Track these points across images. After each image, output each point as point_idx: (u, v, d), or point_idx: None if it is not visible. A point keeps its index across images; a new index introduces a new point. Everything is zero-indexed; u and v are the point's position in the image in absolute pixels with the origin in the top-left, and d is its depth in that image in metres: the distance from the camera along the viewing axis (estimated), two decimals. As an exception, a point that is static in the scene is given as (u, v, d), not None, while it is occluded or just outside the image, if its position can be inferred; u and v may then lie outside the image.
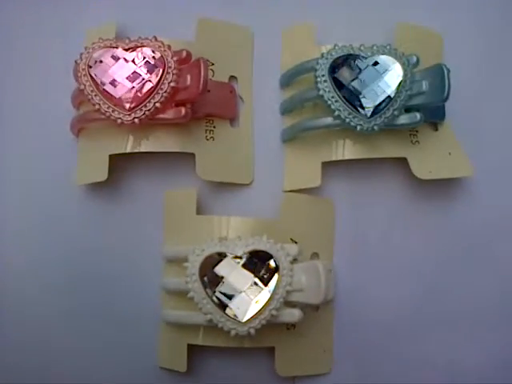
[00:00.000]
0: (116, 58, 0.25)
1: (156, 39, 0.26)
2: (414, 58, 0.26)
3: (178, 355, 0.26)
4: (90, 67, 0.25)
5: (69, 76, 0.27)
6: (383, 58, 0.25)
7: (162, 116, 0.26)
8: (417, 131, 0.28)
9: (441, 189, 0.28)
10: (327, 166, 0.28)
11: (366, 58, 0.25)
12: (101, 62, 0.25)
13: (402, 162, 0.28)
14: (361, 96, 0.25)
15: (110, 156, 0.27)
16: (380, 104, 0.25)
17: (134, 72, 0.25)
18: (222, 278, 0.24)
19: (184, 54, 0.26)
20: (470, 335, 0.28)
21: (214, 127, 0.28)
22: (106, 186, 0.27)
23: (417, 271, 0.28)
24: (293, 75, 0.28)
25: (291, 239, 0.27)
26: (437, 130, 0.29)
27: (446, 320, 0.28)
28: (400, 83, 0.25)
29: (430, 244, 0.28)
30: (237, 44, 0.29)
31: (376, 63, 0.25)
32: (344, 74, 0.25)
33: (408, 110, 0.26)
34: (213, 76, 0.28)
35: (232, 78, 0.29)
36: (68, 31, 0.29)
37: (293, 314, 0.24)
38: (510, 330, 0.28)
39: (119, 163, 0.28)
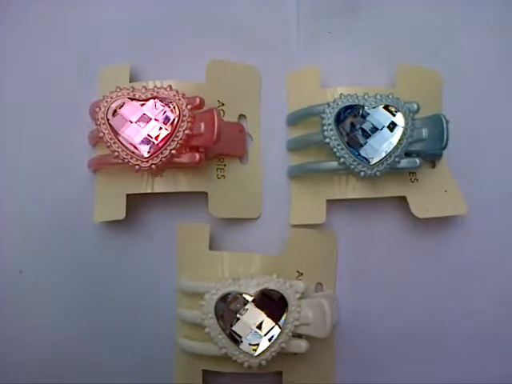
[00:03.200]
0: (134, 108, 0.26)
1: (171, 88, 0.27)
2: (415, 106, 0.28)
3: (194, 379, 0.28)
4: (109, 117, 0.26)
5: (84, 113, 0.29)
6: (383, 112, 0.27)
7: (177, 160, 0.27)
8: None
9: (437, 225, 0.30)
10: (332, 202, 0.29)
11: (369, 109, 0.27)
12: (119, 111, 0.26)
13: (402, 199, 0.30)
14: (365, 146, 0.27)
15: (127, 195, 0.28)
16: (382, 151, 0.27)
17: (151, 120, 0.26)
18: (236, 315, 0.26)
19: (198, 101, 0.27)
20: (466, 358, 0.30)
21: (225, 165, 0.30)
22: (121, 222, 0.29)
23: (413, 300, 0.30)
24: (300, 117, 0.29)
25: (297, 271, 0.29)
26: (434, 166, 0.31)
27: (442, 345, 0.30)
28: (402, 132, 0.27)
29: (426, 276, 0.30)
30: (245, 84, 0.31)
31: (378, 116, 0.27)
32: (349, 124, 0.27)
33: (408, 153, 0.28)
34: (223, 115, 0.30)
35: (241, 116, 0.31)
36: (83, 68, 0.30)
37: (300, 346, 0.27)
38: (504, 353, 0.30)
39: (135, 200, 0.29)
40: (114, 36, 0.31)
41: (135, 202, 0.29)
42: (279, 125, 0.31)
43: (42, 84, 0.31)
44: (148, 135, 0.26)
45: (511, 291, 0.30)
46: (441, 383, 0.30)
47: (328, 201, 0.29)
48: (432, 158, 0.30)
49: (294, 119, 0.30)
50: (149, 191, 0.28)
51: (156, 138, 0.26)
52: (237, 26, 0.31)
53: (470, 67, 0.32)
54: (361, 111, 0.27)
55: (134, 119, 0.26)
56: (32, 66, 0.31)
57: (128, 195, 0.28)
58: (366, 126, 0.27)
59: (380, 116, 0.27)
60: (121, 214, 0.28)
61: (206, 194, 0.29)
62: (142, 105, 0.26)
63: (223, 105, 0.30)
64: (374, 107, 0.27)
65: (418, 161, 0.27)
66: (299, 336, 0.27)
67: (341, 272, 0.30)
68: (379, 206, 0.30)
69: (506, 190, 0.31)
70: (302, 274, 0.29)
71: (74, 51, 0.31)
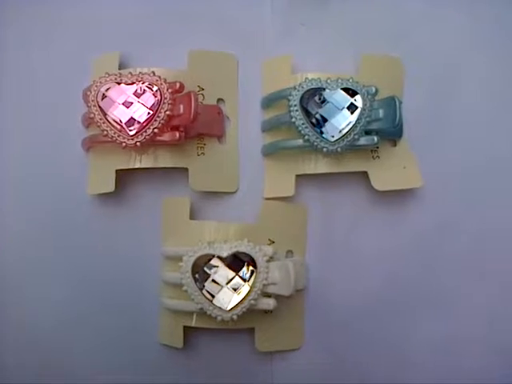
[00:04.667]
0: (120, 91, 0.30)
1: (154, 74, 0.30)
2: (373, 89, 0.31)
3: (176, 334, 0.31)
4: (99, 99, 0.30)
5: (78, 98, 0.32)
6: (342, 94, 0.30)
7: (159, 139, 0.30)
8: (378, 147, 0.33)
9: (396, 197, 0.33)
10: (301, 177, 0.33)
11: (330, 91, 0.30)
12: (108, 94, 0.30)
13: (365, 175, 0.33)
14: (325, 124, 0.30)
15: (116, 170, 0.32)
16: (343, 129, 0.30)
17: (136, 103, 0.30)
18: (210, 274, 0.29)
19: (177, 85, 0.30)
20: (426, 319, 0.33)
21: (205, 144, 0.33)
22: (111, 195, 0.32)
23: (376, 265, 0.33)
24: (271, 100, 0.33)
25: (269, 239, 0.32)
26: (395, 145, 0.33)
27: (402, 305, 0.33)
28: (360, 112, 0.30)
29: (387, 242, 0.33)
30: (224, 70, 0.34)
31: (338, 97, 0.30)
32: (312, 105, 0.30)
33: (368, 132, 0.31)
34: (203, 99, 0.33)
35: (220, 100, 0.34)
36: (75, 58, 0.34)
37: (268, 303, 0.30)
38: (463, 313, 0.33)
39: (124, 176, 0.32)
40: (106, 28, 0.34)
41: (124, 178, 0.33)
42: (254, 108, 0.34)
43: (41, 73, 0.34)
44: (133, 116, 0.30)
45: (466, 256, 0.33)
46: (401, 342, 0.33)
47: (299, 177, 0.32)
48: (393, 137, 0.33)
49: (267, 102, 0.33)
50: (136, 166, 0.32)
51: (140, 118, 0.30)
52: (217, 18, 0.34)
53: (430, 54, 0.34)
54: (323, 93, 0.30)
55: (120, 101, 0.30)
56: (32, 56, 0.34)
57: (117, 171, 0.32)
58: (328, 107, 0.30)
59: (340, 97, 0.30)
60: (111, 187, 0.31)
61: (187, 169, 0.32)
62: (128, 88, 0.30)
63: (203, 89, 0.33)
64: (335, 90, 0.30)
65: (375, 138, 0.30)
66: (269, 296, 0.30)
67: (310, 241, 0.33)
68: (344, 181, 0.33)
69: (460, 166, 0.34)
70: (273, 242, 0.32)
71: (69, 42, 0.34)
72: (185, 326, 0.31)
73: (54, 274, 0.33)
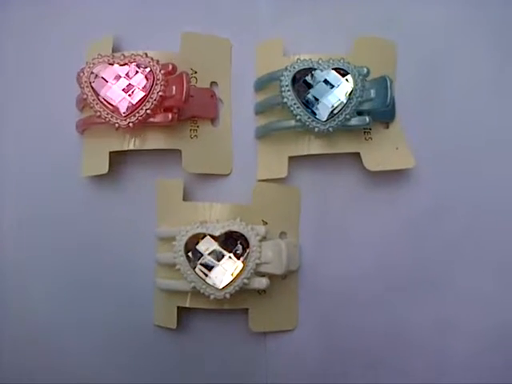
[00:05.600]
0: (113, 72, 0.30)
1: (146, 55, 0.30)
2: (365, 70, 0.31)
3: (170, 315, 0.32)
4: (91, 80, 0.30)
5: (73, 83, 0.32)
6: (334, 74, 0.30)
7: (152, 120, 0.30)
8: (370, 129, 0.33)
9: (390, 179, 0.33)
10: (294, 159, 0.33)
11: (322, 71, 0.30)
12: (100, 75, 0.30)
13: (357, 155, 0.33)
14: (317, 103, 0.30)
15: (110, 152, 0.32)
16: (334, 109, 0.30)
17: (128, 84, 0.30)
18: (203, 254, 0.29)
19: (170, 67, 0.31)
20: (420, 299, 0.33)
21: (198, 127, 0.33)
22: (106, 178, 0.32)
23: (369, 246, 0.33)
24: (264, 82, 0.33)
25: (263, 221, 0.33)
26: (388, 127, 0.34)
27: (395, 287, 0.33)
28: (351, 92, 0.30)
29: (381, 224, 0.33)
30: (217, 54, 0.34)
31: (329, 77, 0.30)
32: (304, 85, 0.30)
33: (360, 113, 0.31)
34: (196, 82, 0.33)
35: (213, 83, 0.34)
36: (70, 43, 0.34)
37: (261, 282, 0.30)
38: (452, 294, 0.33)
39: (118, 158, 0.33)
40: (99, 13, 0.34)
41: (118, 160, 0.33)
42: (247, 91, 0.34)
43: (35, 58, 0.34)
44: (126, 96, 0.30)
45: (460, 237, 0.33)
46: (395, 324, 0.33)
47: (292, 160, 0.33)
48: (385, 119, 0.33)
49: (260, 84, 0.33)
50: (130, 148, 0.32)
51: (133, 98, 0.30)
52: (210, 1, 0.35)
53: (422, 37, 0.34)
54: (314, 73, 0.30)
55: (113, 82, 0.30)
56: (26, 41, 0.35)
57: (111, 153, 0.32)
58: (319, 87, 0.30)
59: (331, 77, 0.30)
60: (104, 169, 0.32)
61: (181, 152, 0.32)
62: (121, 69, 0.30)
63: (196, 72, 0.33)
64: (327, 70, 0.30)
65: (367, 118, 0.31)
66: (262, 276, 0.31)
67: (303, 222, 0.33)
68: (338, 164, 0.34)
69: (454, 148, 0.34)
70: (266, 224, 0.32)
71: (63, 27, 0.34)
72: (179, 308, 0.32)
73: (47, 256, 0.33)
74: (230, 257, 0.30)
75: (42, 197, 0.33)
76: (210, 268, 0.29)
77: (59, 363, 0.32)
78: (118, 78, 0.30)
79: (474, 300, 0.33)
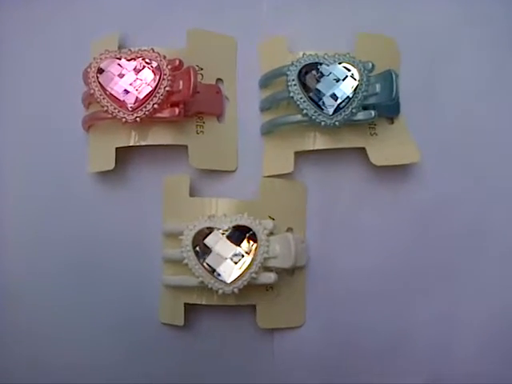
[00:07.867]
0: (120, 67, 0.30)
1: (153, 50, 0.31)
2: (370, 64, 0.31)
3: (177, 312, 0.31)
4: (98, 75, 0.30)
5: (78, 80, 0.32)
6: (340, 68, 0.30)
7: (159, 115, 0.30)
8: (375, 124, 0.33)
9: (396, 173, 0.33)
10: (300, 155, 0.33)
11: (328, 66, 0.30)
12: (107, 70, 0.30)
13: (363, 150, 0.33)
14: (324, 97, 0.30)
15: (117, 148, 0.32)
16: (340, 103, 0.30)
17: (136, 79, 0.30)
18: (211, 248, 0.29)
19: (177, 62, 0.31)
20: (424, 293, 0.33)
21: (204, 123, 0.33)
22: (113, 174, 0.32)
23: (376, 241, 0.33)
24: (269, 78, 0.33)
25: (269, 216, 0.32)
26: (393, 123, 0.34)
27: (403, 281, 0.33)
28: (357, 86, 0.30)
29: (387, 219, 0.33)
30: (223, 51, 0.34)
31: (335, 71, 0.30)
32: (310, 79, 0.30)
33: (365, 107, 0.31)
34: (202, 79, 0.33)
35: (219, 80, 0.34)
36: (76, 41, 0.34)
37: (269, 277, 0.30)
38: (460, 287, 0.33)
39: (124, 154, 0.33)
40: (104, 10, 0.34)
41: (125, 156, 0.33)
42: (253, 88, 0.34)
43: (40, 56, 0.34)
44: (133, 91, 0.30)
45: (467, 231, 0.33)
46: (402, 319, 0.33)
47: (298, 156, 0.33)
48: (391, 114, 0.33)
49: (265, 81, 0.33)
50: (136, 144, 0.32)
51: (140, 93, 0.30)
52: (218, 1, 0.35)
53: (425, 32, 0.35)
54: (320, 67, 0.30)
55: (120, 77, 0.30)
56: (31, 39, 0.35)
57: (117, 149, 0.32)
58: (325, 81, 0.30)
59: (337, 72, 0.30)
60: (111, 165, 0.32)
61: (187, 148, 0.32)
62: (128, 64, 0.30)
63: (202, 69, 0.33)
64: (333, 64, 0.30)
65: (373, 112, 0.31)
66: (270, 271, 0.30)
67: (310, 218, 0.33)
68: (344, 159, 0.34)
69: (459, 142, 0.34)
70: (273, 220, 0.32)
71: (68, 24, 0.34)
72: (186, 305, 0.31)
73: (53, 252, 0.33)
74: (237, 251, 0.29)
75: (49, 193, 0.33)
76: (217, 263, 0.29)
77: (65, 361, 0.32)
78: (125, 72, 0.30)
79: (482, 293, 0.33)
